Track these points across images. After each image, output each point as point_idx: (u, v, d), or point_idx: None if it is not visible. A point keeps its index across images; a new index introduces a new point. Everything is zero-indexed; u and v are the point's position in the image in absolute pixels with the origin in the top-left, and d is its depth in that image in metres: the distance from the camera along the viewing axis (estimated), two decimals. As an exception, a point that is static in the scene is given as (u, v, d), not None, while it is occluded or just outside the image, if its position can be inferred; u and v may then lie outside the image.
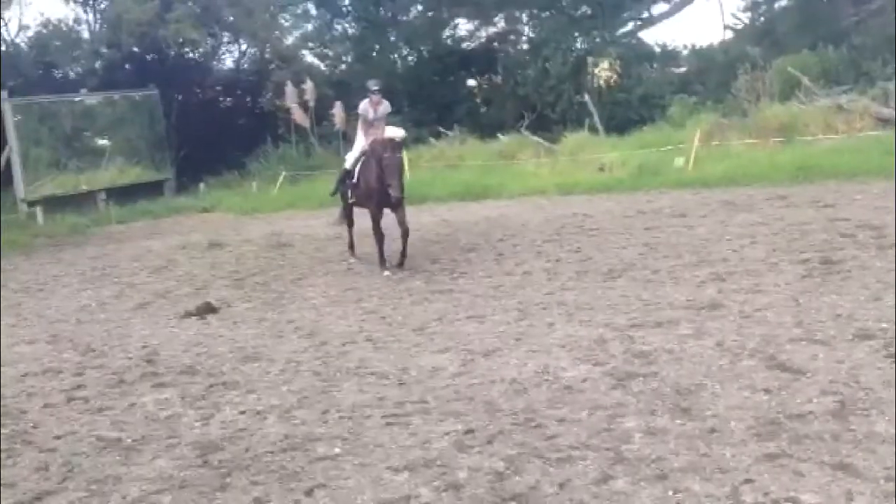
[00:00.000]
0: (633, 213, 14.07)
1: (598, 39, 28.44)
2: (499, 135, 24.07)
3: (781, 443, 4.84)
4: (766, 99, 21.03)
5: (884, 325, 6.72)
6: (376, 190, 11.13)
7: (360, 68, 29.00)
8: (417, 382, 6.62)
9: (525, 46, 30.97)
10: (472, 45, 31.82)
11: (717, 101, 22.69)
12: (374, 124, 11.73)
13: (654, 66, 28.26)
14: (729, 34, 31.24)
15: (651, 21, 31.75)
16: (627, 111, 25.46)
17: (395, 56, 31.19)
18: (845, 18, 27.19)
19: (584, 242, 11.95)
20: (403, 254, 11.29)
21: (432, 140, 24.84)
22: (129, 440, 5.94)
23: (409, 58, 31.24)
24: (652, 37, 32.55)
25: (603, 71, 28.40)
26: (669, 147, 19.11)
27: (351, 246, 12.46)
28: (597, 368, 6.50)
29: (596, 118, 23.92)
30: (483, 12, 31.22)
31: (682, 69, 29.13)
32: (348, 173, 11.89)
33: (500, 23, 31.77)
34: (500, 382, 6.41)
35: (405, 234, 11.20)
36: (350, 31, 31.97)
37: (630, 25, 31.33)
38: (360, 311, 9.24)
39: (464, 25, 32.06)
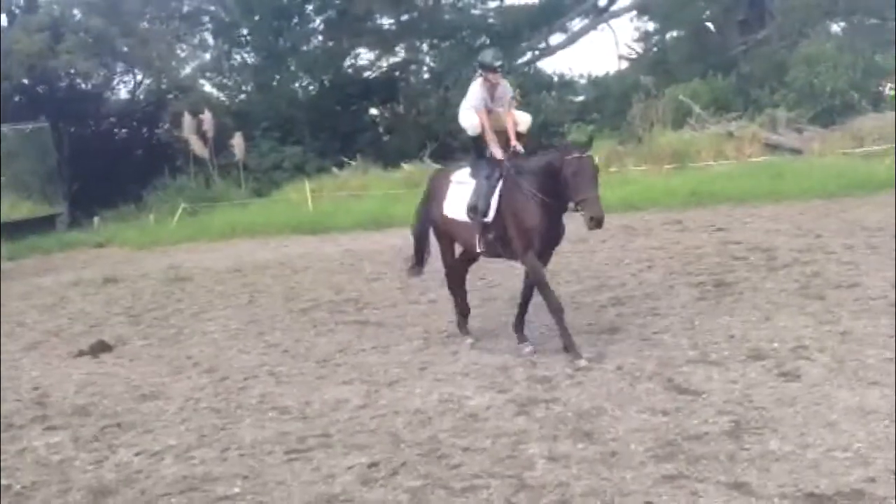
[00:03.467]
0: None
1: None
2: (402, 164, 24.13)
3: (679, 464, 4.92)
4: (659, 126, 21.65)
5: (775, 345, 6.93)
6: (541, 224, 7.36)
7: (260, 98, 28.79)
8: (320, 416, 6.52)
9: (426, 76, 31.24)
10: (374, 74, 31.95)
11: (614, 129, 23.27)
12: (492, 114, 8.05)
13: (553, 94, 28.82)
14: (624, 64, 32.15)
15: (549, 51, 32.44)
16: (528, 139, 25.79)
17: (297, 85, 31.04)
18: (733, 48, 28.28)
19: (488, 270, 11.96)
20: (563, 331, 7.44)
21: (335, 170, 24.74)
22: (19, 486, 5.68)
23: (311, 87, 31.14)
24: (550, 66, 33.24)
25: (507, 99, 28.79)
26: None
27: (464, 315, 8.55)
28: (500, 396, 6.51)
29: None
30: (384, 42, 31.41)
31: (580, 98, 29.81)
32: (474, 209, 7.62)
33: (401, 52, 31.98)
34: (404, 413, 6.36)
35: (556, 310, 7.44)
36: (249, 60, 31.69)
37: (528, 55, 31.94)
38: (263, 345, 9.07)
39: (365, 55, 32.22)
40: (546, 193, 7.23)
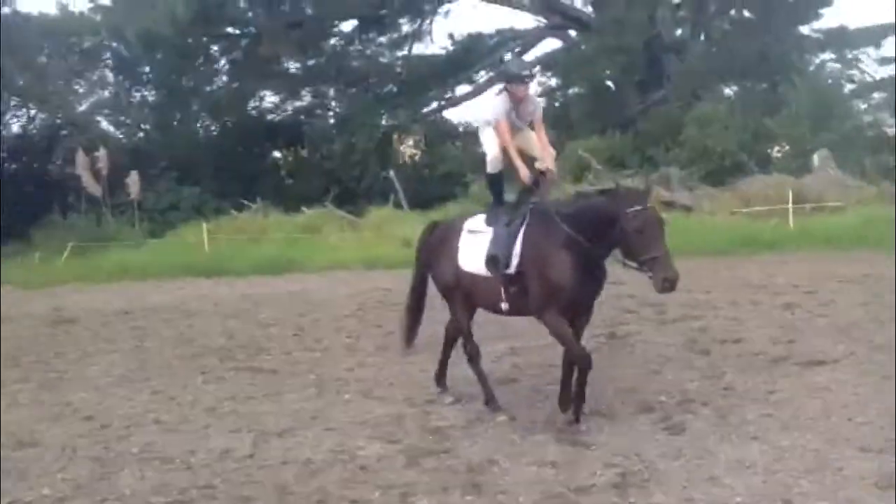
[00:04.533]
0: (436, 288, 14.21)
1: (403, 117, 29.11)
2: (303, 208, 23.97)
3: (567, 517, 4.92)
4: (560, 180, 22.04)
5: (662, 399, 7.06)
6: (571, 279, 6.33)
7: (160, 137, 28.28)
8: (205, 466, 6.30)
9: (332, 121, 31.27)
10: (279, 117, 31.80)
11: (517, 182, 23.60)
12: (517, 135, 7.11)
13: (458, 144, 29.18)
14: (527, 117, 32.76)
15: (454, 101, 32.91)
16: (431, 187, 26.05)
17: (198, 125, 30.64)
18: (632, 107, 29.25)
19: (386, 317, 11.92)
20: (579, 398, 6.58)
21: (234, 212, 24.39)
22: None
23: (212, 128, 30.79)
24: (456, 116, 33.74)
25: (408, 148, 29.05)
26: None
27: (443, 373, 7.92)
28: (392, 446, 6.42)
29: (401, 193, 24.31)
30: (290, 85, 31.37)
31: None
32: (492, 261, 6.61)
33: (307, 97, 31.97)
34: (292, 464, 6.21)
35: (582, 359, 6.55)
36: (150, 98, 31.15)
37: (434, 104, 32.33)
38: (148, 391, 8.74)
39: (270, 97, 32.07)
40: (586, 243, 6.22)
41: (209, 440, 6.91)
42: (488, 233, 6.78)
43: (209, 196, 26.29)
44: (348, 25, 31.76)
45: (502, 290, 6.61)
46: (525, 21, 33.54)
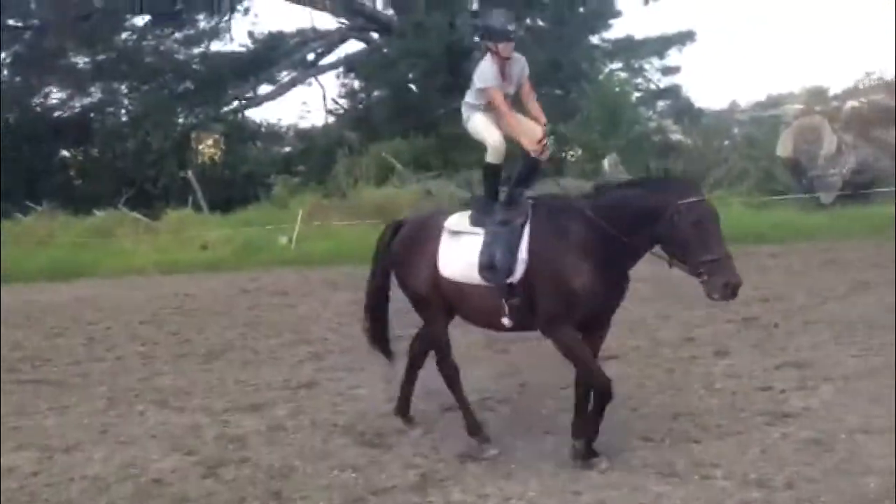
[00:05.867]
0: (235, 291, 13.93)
1: (201, 115, 28.24)
2: (95, 210, 22.78)
3: (368, 520, 4.91)
4: (363, 182, 22.15)
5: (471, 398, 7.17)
6: (593, 285, 5.38)
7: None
8: (-16, 487, 5.84)
9: (124, 118, 29.88)
10: (66, 114, 30.04)
11: (320, 182, 23.49)
12: (510, 102, 6.15)
13: (259, 144, 28.65)
14: (331, 118, 32.71)
15: (256, 100, 32.29)
16: (232, 189, 25.46)
17: (-24, 121, 28.50)
18: (434, 110, 29.68)
19: (183, 324, 11.55)
20: (593, 429, 5.63)
21: (19, 215, 22.84)
22: None
23: (-7, 125, 28.71)
24: (257, 115, 33.11)
25: (207, 147, 28.23)
26: (273, 226, 19.32)
27: (408, 400, 6.75)
28: (188, 457, 6.19)
29: (199, 195, 23.62)
30: (78, 81, 29.72)
31: (287, 149, 29.87)
32: (490, 267, 5.59)
33: (97, 93, 30.40)
34: (79, 480, 5.86)
35: (603, 386, 5.56)
36: (-79, 92, 28.69)
37: (235, 103, 31.58)
38: (-83, 410, 8.02)
39: (56, 93, 30.25)
40: (624, 240, 5.29)
41: (-11, 459, 6.42)
42: (477, 234, 5.73)
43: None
44: (141, 19, 30.53)
45: (503, 302, 5.55)
46: (327, 22, 33.41)
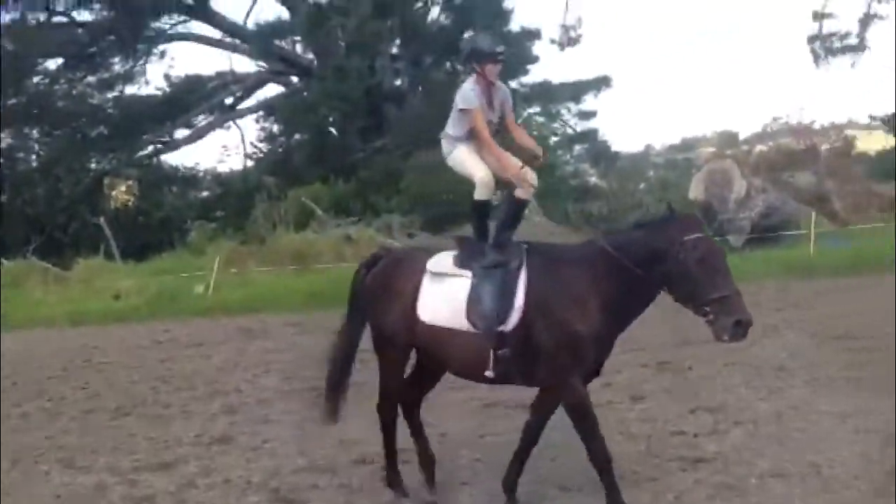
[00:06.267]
0: (148, 343, 13.60)
1: (114, 160, 27.72)
2: (2, 259, 22.05)
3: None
4: (282, 227, 21.95)
5: (380, 450, 7.06)
6: (599, 330, 5.14)
7: None
8: None
9: (35, 164, 29.12)
10: (-27, 159, 29.15)
11: (238, 228, 23.21)
12: (495, 130, 5.87)
13: (175, 189, 28.22)
14: (250, 162, 32.45)
15: (173, 145, 31.86)
16: (146, 236, 24.97)
17: None
18: (354, 154, 29.71)
19: (93, 378, 11.19)
20: (612, 490, 5.27)
21: (-81, 264, 21.99)
22: None
23: None
24: (174, 160, 32.65)
25: (121, 193, 27.69)
26: (189, 274, 18.96)
27: (394, 460, 6.19)
28: (92, 520, 5.96)
29: (112, 242, 23.06)
30: (-14, 126, 28.91)
31: (204, 194, 29.51)
32: (480, 313, 5.23)
33: (6, 139, 29.59)
34: (-25, 550, 5.58)
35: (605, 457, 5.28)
36: None
37: (150, 148, 31.10)
38: None
39: (-38, 139, 29.33)
40: (627, 285, 5.05)
41: None
42: (464, 276, 5.36)
43: None
44: (53, 63, 29.94)
45: (491, 352, 5.14)
46: (246, 65, 33.27)
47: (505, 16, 33.31)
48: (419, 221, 23.23)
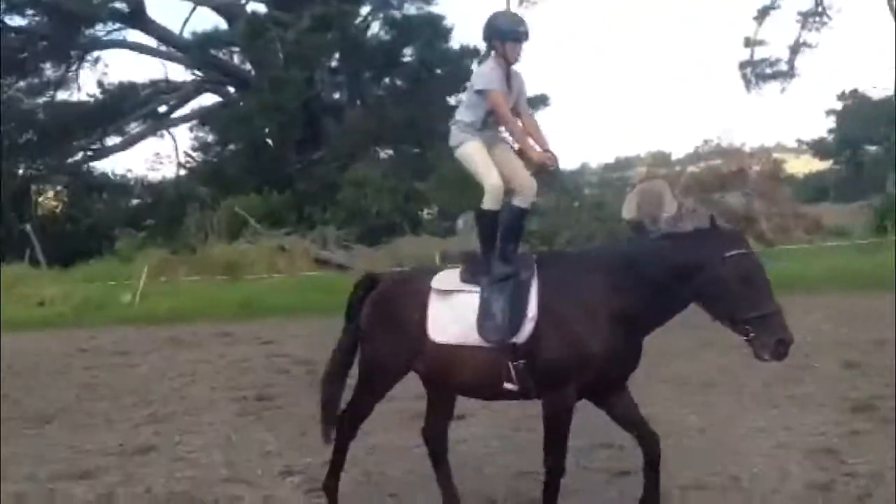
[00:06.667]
0: (73, 351, 13.29)
1: (42, 167, 27.10)
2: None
3: None
4: (214, 237, 21.69)
5: (308, 460, 6.98)
6: (610, 347, 4.90)
7: None
8: None
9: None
10: None
11: (168, 237, 22.87)
12: (495, 148, 5.52)
13: (105, 197, 27.72)
14: (182, 171, 32.05)
15: (104, 152, 31.31)
16: (74, 243, 24.45)
17: None
18: (290, 165, 29.55)
19: (13, 385, 10.86)
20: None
21: None
22: None
23: None
24: (105, 167, 32.07)
25: (48, 200, 27.07)
26: (116, 282, 18.61)
27: (336, 478, 5.84)
28: (7, 531, 5.77)
29: (38, 249, 22.51)
30: None
31: (135, 202, 29.07)
32: (492, 325, 4.96)
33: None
34: None
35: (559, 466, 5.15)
36: None
37: (80, 155, 30.50)
38: None
39: None
40: (650, 297, 4.83)
41: None
42: (472, 291, 5.10)
43: None
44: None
45: (509, 364, 4.91)
46: (181, 74, 32.88)
47: (445, 33, 33.54)
48: (355, 234, 23.17)
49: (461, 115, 5.42)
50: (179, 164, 32.23)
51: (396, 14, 32.89)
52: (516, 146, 5.44)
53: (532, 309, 4.90)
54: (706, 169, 22.70)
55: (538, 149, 5.31)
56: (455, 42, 34.10)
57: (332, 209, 24.95)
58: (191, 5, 31.81)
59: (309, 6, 29.16)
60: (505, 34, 5.25)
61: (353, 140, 29.14)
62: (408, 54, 33.50)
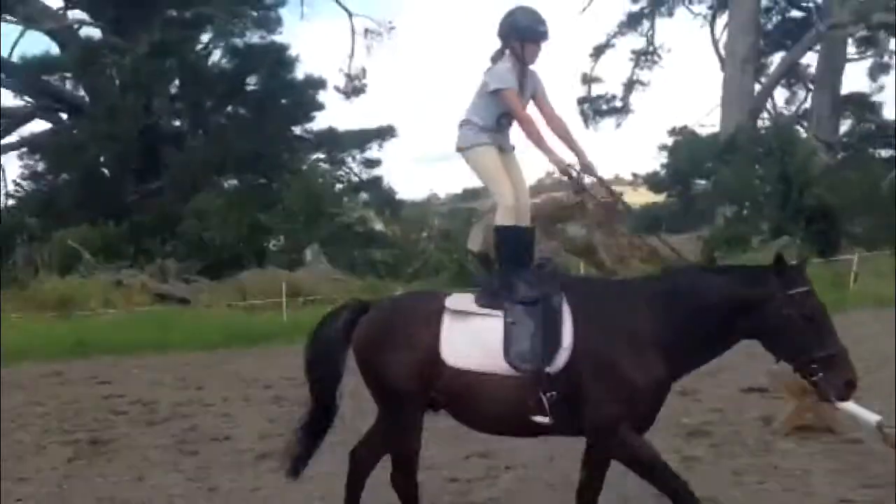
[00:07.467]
0: None
1: None
2: None
3: None
4: (46, 271, 20.66)
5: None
6: (659, 379, 4.56)
7: None
8: None
9: None
10: None
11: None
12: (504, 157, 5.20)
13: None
14: (11, 201, 30.44)
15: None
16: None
17: None
18: (126, 196, 28.49)
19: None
20: None
21: None
22: None
23: None
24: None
25: None
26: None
27: None
28: None
29: None
30: None
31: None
32: (522, 352, 4.58)
33: None
34: None
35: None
36: None
37: None
38: None
39: None
40: (699, 331, 4.54)
41: None
42: (493, 315, 4.69)
43: None
44: None
45: (541, 395, 4.48)
46: (10, 99, 31.24)
47: (289, 63, 33.31)
48: (197, 266, 22.53)
49: (472, 115, 5.12)
50: (7, 194, 30.66)
51: (238, 42, 32.44)
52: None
53: (567, 337, 4.55)
54: (549, 200, 23.35)
55: (559, 154, 5.04)
56: (300, 72, 34.05)
57: (173, 241, 24.21)
58: (20, 28, 30.40)
59: (147, 32, 28.36)
60: (524, 34, 5.01)
61: (195, 169, 28.41)
62: (252, 83, 33.10)
